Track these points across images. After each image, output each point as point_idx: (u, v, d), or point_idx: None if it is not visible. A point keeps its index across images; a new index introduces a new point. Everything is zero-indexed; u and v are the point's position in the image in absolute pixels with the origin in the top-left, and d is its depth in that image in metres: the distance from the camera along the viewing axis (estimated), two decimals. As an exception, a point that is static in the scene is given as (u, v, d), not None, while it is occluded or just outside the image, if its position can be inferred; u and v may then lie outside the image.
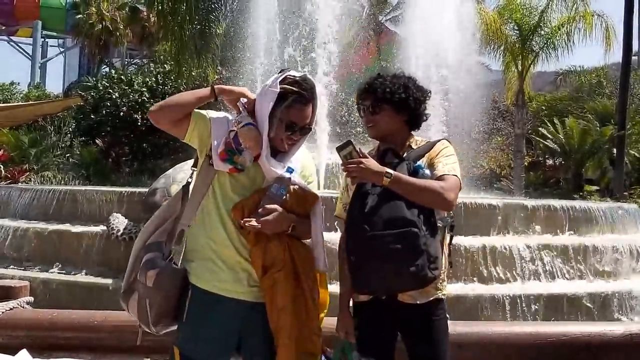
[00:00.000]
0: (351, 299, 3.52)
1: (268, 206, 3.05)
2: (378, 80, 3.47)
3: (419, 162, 3.32)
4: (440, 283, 3.35)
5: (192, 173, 3.30)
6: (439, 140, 3.48)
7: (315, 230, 3.25)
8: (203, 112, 3.23)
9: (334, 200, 3.77)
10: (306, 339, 3.10)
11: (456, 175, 3.31)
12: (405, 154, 3.40)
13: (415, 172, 3.26)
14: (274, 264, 3.05)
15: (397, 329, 3.44)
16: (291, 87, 3.13)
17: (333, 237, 3.89)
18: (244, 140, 3.07)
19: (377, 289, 3.26)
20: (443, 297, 3.41)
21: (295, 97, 3.13)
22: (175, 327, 3.22)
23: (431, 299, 3.33)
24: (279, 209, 3.07)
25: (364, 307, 3.41)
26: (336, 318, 3.56)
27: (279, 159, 3.18)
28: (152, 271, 3.08)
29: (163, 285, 3.08)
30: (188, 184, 3.31)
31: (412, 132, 3.56)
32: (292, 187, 3.15)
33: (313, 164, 3.46)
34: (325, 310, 3.34)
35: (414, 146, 3.47)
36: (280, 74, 3.17)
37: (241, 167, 3.12)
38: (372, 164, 3.16)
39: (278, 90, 3.10)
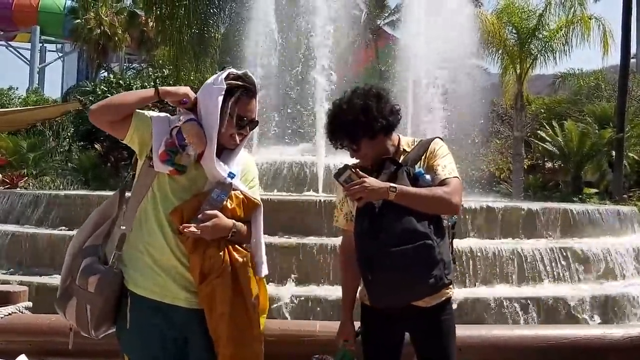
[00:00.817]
0: (357, 299, 3.51)
1: (208, 212, 3.00)
2: (337, 121, 3.35)
3: (418, 169, 3.28)
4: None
5: (132, 175, 3.26)
6: (432, 140, 3.45)
7: (256, 235, 3.21)
8: (145, 112, 3.19)
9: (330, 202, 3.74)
10: (247, 346, 3.07)
11: (457, 177, 3.30)
12: (401, 159, 3.37)
13: (415, 178, 3.24)
14: (212, 270, 3.00)
15: (406, 330, 3.44)
16: (236, 82, 3.14)
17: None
18: (188, 135, 3.02)
19: (396, 303, 3.24)
20: (452, 294, 3.41)
21: (242, 91, 3.14)
22: (113, 330, 3.18)
23: (442, 299, 3.33)
24: (219, 214, 3.02)
25: (372, 310, 3.37)
26: (336, 321, 3.55)
27: (223, 159, 3.14)
28: (93, 277, 3.03)
29: (104, 291, 3.03)
30: (125, 186, 3.28)
31: (397, 135, 3.49)
32: (233, 192, 3.12)
33: (256, 168, 3.42)
34: (265, 315, 3.30)
35: (407, 148, 3.43)
36: (222, 72, 3.18)
37: (182, 169, 3.07)
38: (374, 182, 3.14)
39: (224, 86, 3.10)
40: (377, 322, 3.39)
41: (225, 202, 3.07)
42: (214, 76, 3.18)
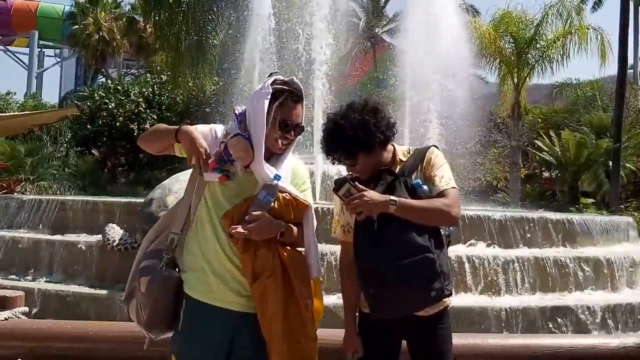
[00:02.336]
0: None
1: (255, 213, 3.07)
2: (338, 135, 3.34)
3: (416, 180, 3.30)
4: None
5: None
6: (427, 148, 3.46)
7: (308, 237, 3.26)
8: None
9: (328, 210, 3.75)
10: (301, 345, 3.11)
11: (454, 187, 3.32)
12: (397, 169, 3.39)
13: (413, 189, 3.26)
14: (264, 270, 3.06)
15: (403, 338, 3.45)
16: (282, 86, 3.22)
17: (325, 248, 3.87)
18: (234, 151, 3.10)
19: (397, 315, 3.27)
20: (449, 303, 3.42)
21: (287, 95, 3.23)
22: (171, 334, 3.26)
23: (440, 308, 3.35)
24: (266, 215, 3.09)
25: (370, 317, 3.39)
26: (334, 329, 3.56)
27: (271, 164, 3.21)
28: (144, 278, 3.16)
29: (153, 292, 3.15)
30: None
31: (392, 145, 3.51)
32: (280, 194, 3.17)
33: (306, 171, 3.49)
34: (321, 317, 3.32)
35: (403, 158, 3.45)
36: (269, 77, 3.26)
37: (231, 174, 3.16)
38: (374, 195, 3.16)
39: (270, 90, 3.19)
40: (375, 329, 3.41)
41: (272, 203, 3.13)
42: (262, 83, 3.26)
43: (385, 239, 3.15)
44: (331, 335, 3.62)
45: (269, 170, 3.15)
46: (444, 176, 3.33)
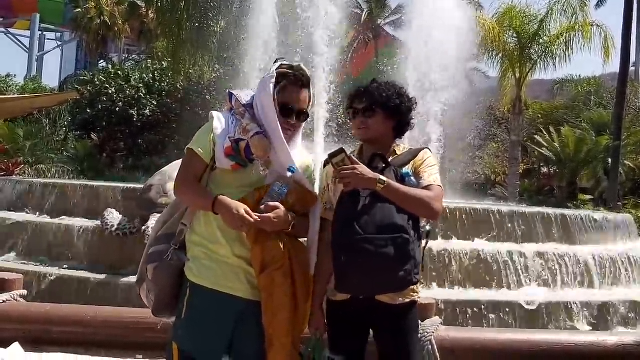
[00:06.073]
0: (325, 297, 3.55)
1: (271, 203, 3.07)
2: (374, 85, 3.54)
3: (406, 170, 3.40)
4: (417, 286, 3.41)
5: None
6: (422, 149, 3.56)
7: (313, 231, 3.29)
8: (206, 147, 3.20)
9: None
10: (297, 339, 3.15)
11: (440, 186, 3.42)
12: (390, 159, 3.46)
13: (402, 179, 3.35)
14: (272, 261, 3.06)
15: (370, 327, 3.49)
16: (286, 70, 3.23)
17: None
18: (256, 150, 3.11)
19: (363, 290, 3.30)
20: (418, 299, 3.49)
21: (289, 79, 3.23)
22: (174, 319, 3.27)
23: (407, 300, 3.39)
24: (281, 206, 3.09)
25: (339, 306, 3.44)
26: None
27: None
28: (150, 265, 3.22)
29: (159, 280, 3.20)
30: None
31: (396, 140, 3.62)
32: (293, 185, 3.17)
33: (311, 161, 3.49)
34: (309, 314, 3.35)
35: (398, 152, 3.54)
36: (275, 63, 3.27)
37: (244, 163, 3.14)
38: (365, 170, 3.23)
39: (275, 74, 3.19)
40: (343, 320, 3.45)
41: (285, 195, 3.14)
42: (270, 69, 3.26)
43: (366, 213, 3.21)
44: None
45: (290, 159, 3.16)
46: (432, 174, 3.43)
